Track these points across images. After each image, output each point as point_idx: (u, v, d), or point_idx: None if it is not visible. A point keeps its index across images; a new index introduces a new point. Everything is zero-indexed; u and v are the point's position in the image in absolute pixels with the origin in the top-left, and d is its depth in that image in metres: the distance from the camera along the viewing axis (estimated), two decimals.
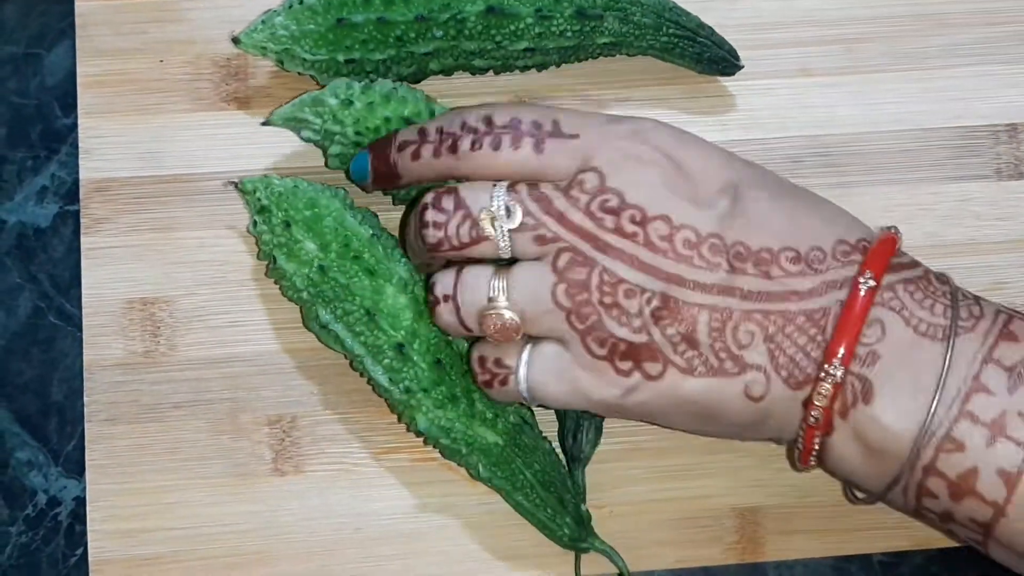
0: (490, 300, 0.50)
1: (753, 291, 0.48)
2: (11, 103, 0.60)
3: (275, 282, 0.56)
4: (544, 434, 0.56)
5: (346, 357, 0.55)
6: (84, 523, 0.57)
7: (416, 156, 0.52)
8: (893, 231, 0.51)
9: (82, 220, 0.59)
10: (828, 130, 0.60)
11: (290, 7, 0.56)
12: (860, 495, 0.52)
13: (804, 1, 0.61)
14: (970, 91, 0.61)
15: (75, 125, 0.59)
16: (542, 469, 0.55)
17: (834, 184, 0.59)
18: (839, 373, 0.48)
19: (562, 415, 0.56)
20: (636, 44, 0.58)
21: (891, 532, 0.57)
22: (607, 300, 0.49)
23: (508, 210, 0.49)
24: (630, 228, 0.48)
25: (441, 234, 0.50)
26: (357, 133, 0.55)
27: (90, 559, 0.56)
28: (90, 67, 0.60)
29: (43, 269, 0.59)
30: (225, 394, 0.58)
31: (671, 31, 0.58)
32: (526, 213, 0.49)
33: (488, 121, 0.51)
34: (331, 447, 0.57)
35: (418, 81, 0.58)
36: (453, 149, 0.51)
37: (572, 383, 0.50)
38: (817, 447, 0.50)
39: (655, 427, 0.54)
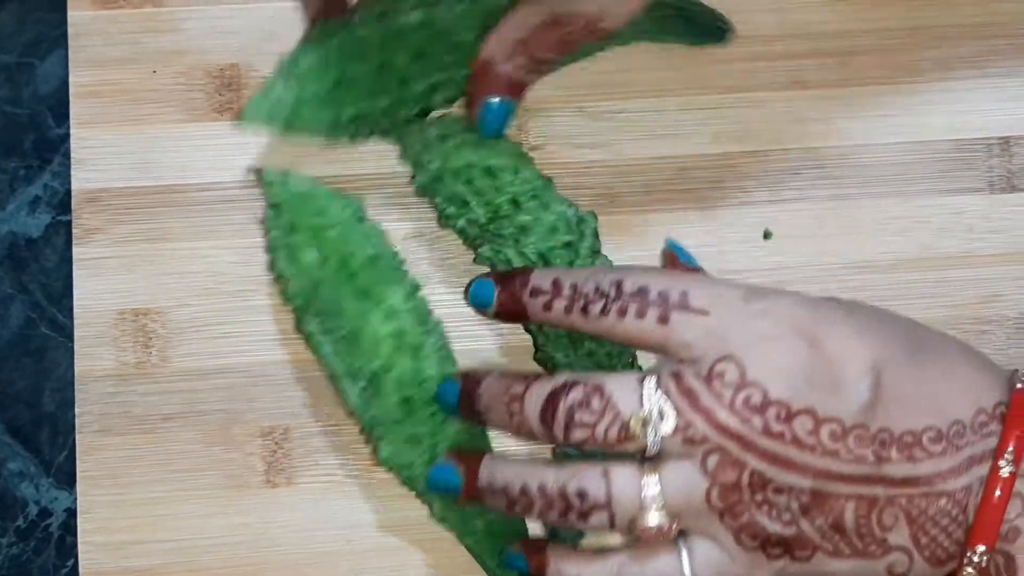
0: (643, 507, 0.49)
1: (898, 477, 0.48)
2: (4, 112, 0.60)
3: (274, 278, 0.56)
4: None
5: (325, 369, 0.55)
6: (75, 534, 0.56)
7: (548, 307, 0.52)
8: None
9: (74, 230, 0.58)
10: (823, 142, 0.60)
11: (287, 73, 0.55)
12: None
13: (799, 14, 0.61)
14: (964, 104, 0.61)
15: (68, 135, 0.59)
16: (495, 519, 0.55)
17: (829, 196, 0.60)
18: (983, 559, 0.48)
19: None
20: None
21: None
22: (758, 498, 0.48)
23: (661, 412, 0.49)
24: (777, 428, 0.48)
25: (588, 434, 0.49)
26: (439, 169, 0.55)
27: (81, 571, 0.56)
28: (83, 77, 0.59)
29: (35, 279, 0.59)
30: (217, 405, 0.57)
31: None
32: (678, 413, 0.48)
33: (618, 286, 0.50)
34: (324, 459, 0.57)
35: (425, 115, 0.57)
36: (584, 311, 0.51)
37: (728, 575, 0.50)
38: None
39: None
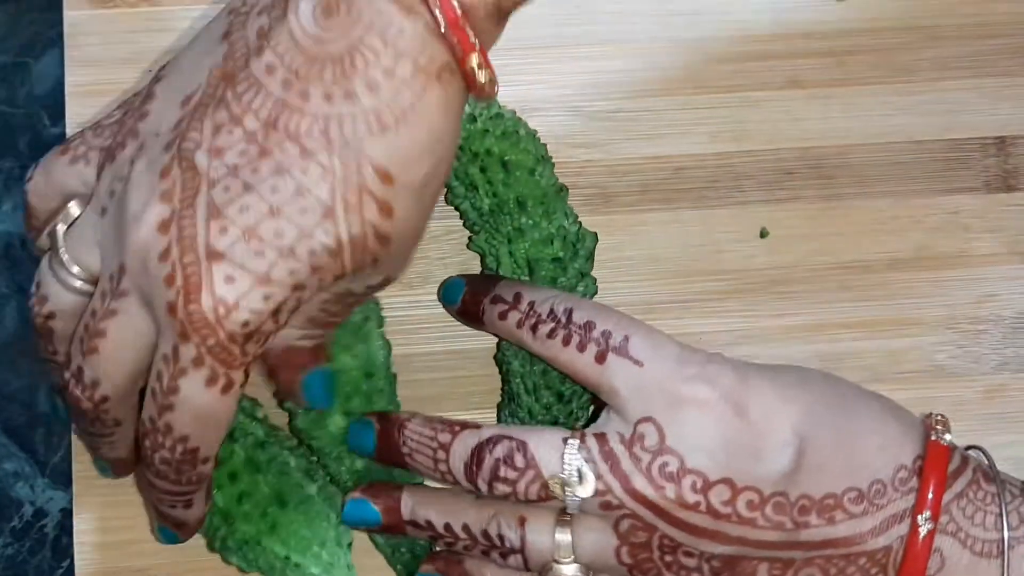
0: (555, 559, 0.50)
1: (816, 541, 0.48)
2: None
3: None
4: None
5: None
6: (71, 535, 0.56)
7: (503, 317, 0.53)
8: (940, 431, 0.50)
9: None
10: (819, 142, 0.60)
11: None
12: None
13: (795, 14, 0.61)
14: (960, 104, 0.61)
15: (63, 135, 0.59)
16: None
17: (825, 196, 0.60)
18: None
19: None
20: None
21: None
22: (667, 559, 0.49)
23: (580, 474, 0.49)
24: (691, 498, 0.48)
25: (510, 490, 0.50)
26: (459, 148, 0.55)
27: (77, 571, 0.56)
28: (79, 76, 0.59)
29: (30, 279, 0.58)
30: None
31: None
32: (597, 477, 0.49)
33: (569, 315, 0.51)
34: None
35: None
36: (533, 329, 0.52)
37: None
38: None
39: None
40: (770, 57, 0.61)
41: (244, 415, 0.55)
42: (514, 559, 0.51)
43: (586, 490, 0.49)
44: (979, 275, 0.60)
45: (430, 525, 0.52)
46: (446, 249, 0.59)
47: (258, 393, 0.56)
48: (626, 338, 0.50)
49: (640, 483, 0.49)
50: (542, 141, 0.57)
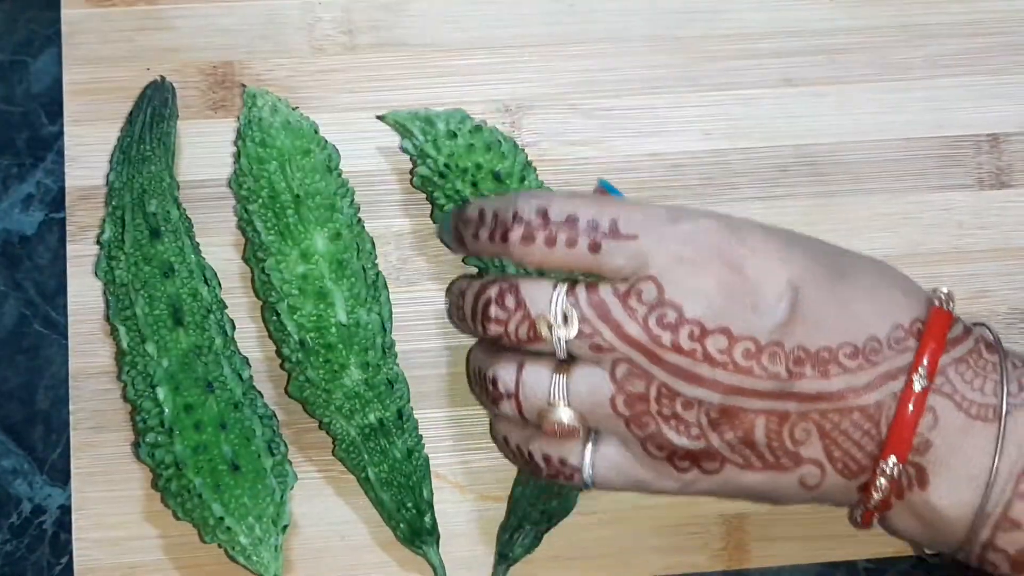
0: (550, 403, 0.50)
1: (811, 393, 0.49)
2: None
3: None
4: (417, 450, 0.56)
5: None
6: (69, 531, 0.56)
7: (475, 236, 0.52)
8: (944, 300, 0.51)
9: (68, 228, 0.58)
10: (813, 139, 0.60)
11: None
12: (928, 552, 0.53)
13: (788, 12, 0.62)
14: (953, 102, 0.61)
15: (61, 132, 0.59)
16: (388, 470, 0.55)
17: (819, 193, 0.60)
18: (895, 471, 0.49)
19: (510, 509, 0.57)
20: None
21: (876, 539, 0.57)
22: (665, 411, 0.49)
23: (565, 317, 0.49)
24: (688, 345, 0.48)
25: (501, 330, 0.50)
26: (445, 166, 0.56)
27: (75, 567, 0.56)
28: (76, 75, 0.60)
29: (28, 277, 0.59)
30: None
31: None
32: (582, 320, 0.49)
33: (543, 214, 0.50)
34: (318, 455, 0.57)
35: None
36: (504, 238, 0.51)
37: (634, 478, 0.51)
38: (876, 520, 0.51)
39: None
40: (764, 55, 0.61)
41: (231, 370, 0.55)
42: (506, 405, 0.51)
43: (569, 332, 0.49)
44: (972, 271, 0.60)
45: (478, 374, 0.53)
46: (444, 247, 0.59)
47: (261, 386, 0.56)
48: (614, 221, 0.50)
49: (634, 330, 0.49)
50: (539, 138, 0.57)
